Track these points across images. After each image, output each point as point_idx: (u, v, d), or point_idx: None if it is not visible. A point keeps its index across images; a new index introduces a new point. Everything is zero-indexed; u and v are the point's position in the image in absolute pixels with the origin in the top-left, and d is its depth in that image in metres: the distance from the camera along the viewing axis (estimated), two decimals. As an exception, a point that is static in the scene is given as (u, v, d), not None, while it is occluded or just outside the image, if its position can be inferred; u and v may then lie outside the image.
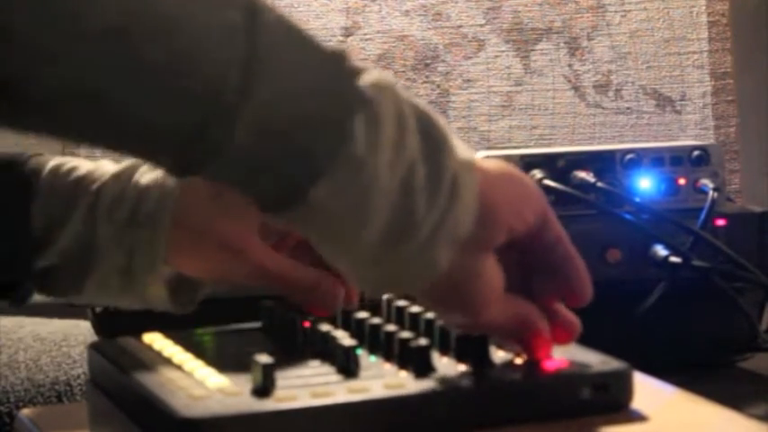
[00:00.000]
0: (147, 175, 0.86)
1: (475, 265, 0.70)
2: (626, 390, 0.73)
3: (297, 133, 0.63)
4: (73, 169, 0.89)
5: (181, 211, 0.85)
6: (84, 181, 0.88)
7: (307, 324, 0.81)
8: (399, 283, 0.70)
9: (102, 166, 0.89)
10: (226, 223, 0.84)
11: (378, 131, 0.64)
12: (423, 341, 0.73)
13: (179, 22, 0.60)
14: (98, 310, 1.14)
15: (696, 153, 1.19)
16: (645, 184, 1.18)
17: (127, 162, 0.88)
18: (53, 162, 0.89)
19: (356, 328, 0.80)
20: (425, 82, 1.60)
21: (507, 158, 1.15)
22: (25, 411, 0.94)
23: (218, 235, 0.84)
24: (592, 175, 1.15)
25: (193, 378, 0.72)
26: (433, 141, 0.67)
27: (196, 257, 0.86)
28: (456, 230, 0.68)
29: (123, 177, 0.87)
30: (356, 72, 0.65)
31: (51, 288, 0.88)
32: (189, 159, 0.63)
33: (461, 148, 0.69)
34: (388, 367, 0.74)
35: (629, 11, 1.61)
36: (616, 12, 1.61)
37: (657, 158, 1.19)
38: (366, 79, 0.65)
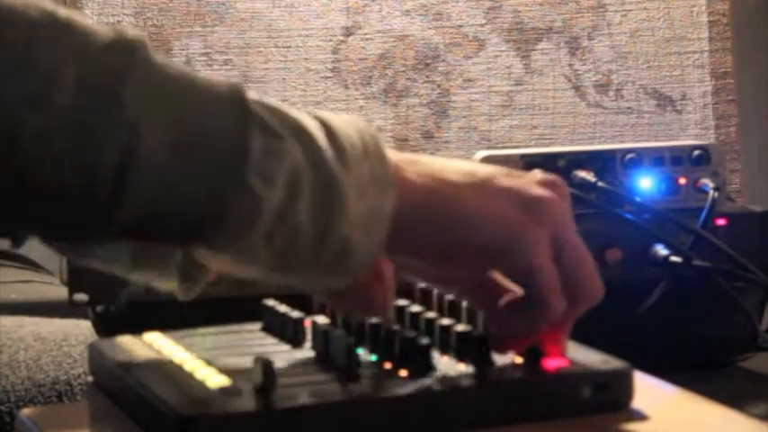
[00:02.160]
0: None
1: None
2: (626, 389, 0.73)
3: (171, 229, 0.67)
4: None
5: None
6: None
7: (307, 323, 0.81)
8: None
9: None
10: None
11: (256, 215, 0.67)
12: (423, 341, 0.73)
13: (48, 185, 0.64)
14: (99, 309, 1.14)
15: (696, 153, 1.19)
16: (645, 183, 1.18)
17: None
18: None
19: (356, 328, 0.80)
20: (425, 82, 1.60)
21: (508, 158, 1.15)
22: (26, 411, 0.94)
23: None
24: (592, 174, 1.15)
25: (193, 378, 0.72)
26: (326, 209, 0.68)
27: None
28: (343, 279, 0.71)
29: None
30: (246, 157, 0.66)
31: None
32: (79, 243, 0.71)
33: (373, 195, 0.70)
34: (389, 367, 0.74)
35: (630, 11, 1.61)
36: (616, 11, 1.61)
37: (658, 158, 1.19)
38: (259, 164, 0.66)
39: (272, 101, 0.69)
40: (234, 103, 0.67)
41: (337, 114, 0.72)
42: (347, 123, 0.71)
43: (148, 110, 0.64)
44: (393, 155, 0.72)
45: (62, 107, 0.63)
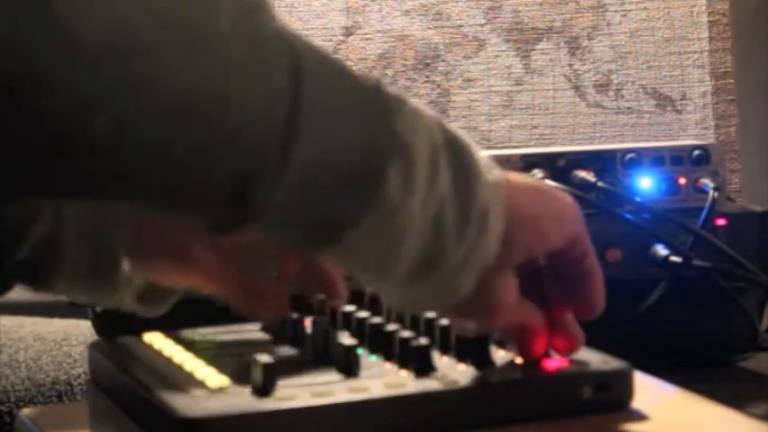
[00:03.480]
0: None
1: (493, 282, 0.71)
2: (626, 389, 0.73)
3: (334, 188, 0.63)
4: None
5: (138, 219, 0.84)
6: None
7: (306, 323, 0.81)
8: (424, 306, 0.73)
9: None
10: (182, 237, 0.83)
11: (411, 176, 0.65)
12: (423, 341, 0.73)
13: (227, 97, 0.59)
14: (98, 309, 1.14)
15: (696, 153, 1.19)
16: (645, 183, 1.18)
17: None
18: None
19: (356, 328, 0.80)
20: (426, 82, 1.60)
21: (508, 158, 1.15)
22: (26, 411, 0.94)
23: (179, 245, 0.84)
24: (592, 174, 1.15)
25: (193, 378, 0.72)
26: (464, 173, 0.68)
27: (151, 268, 0.85)
28: (482, 259, 0.69)
29: None
30: (393, 112, 0.65)
31: (27, 281, 0.88)
32: (227, 222, 0.63)
33: (489, 170, 0.70)
34: (389, 367, 0.74)
35: (630, 11, 1.61)
36: (616, 11, 1.61)
37: (658, 158, 1.19)
38: (402, 118, 0.65)
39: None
40: (376, 85, 0.66)
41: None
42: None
43: (300, 44, 0.62)
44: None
45: (228, 21, 0.59)
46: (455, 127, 0.70)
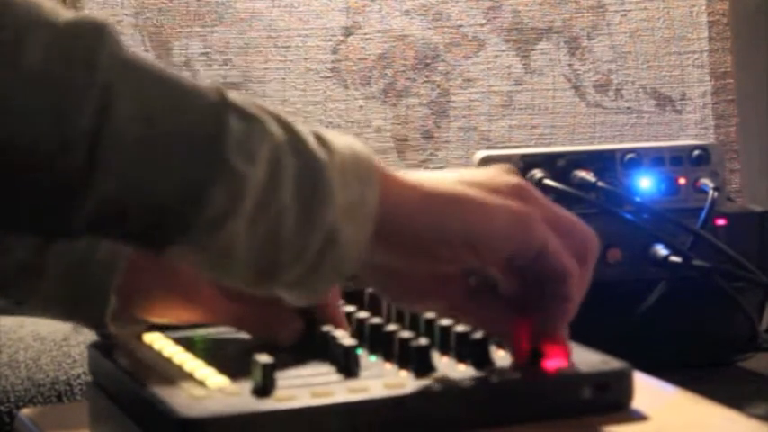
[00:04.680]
0: None
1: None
2: (626, 389, 0.73)
3: (142, 216, 0.63)
4: None
5: (135, 259, 0.84)
6: None
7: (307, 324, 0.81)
8: (290, 298, 0.71)
9: None
10: (178, 273, 0.83)
11: (238, 197, 0.64)
12: (423, 341, 0.73)
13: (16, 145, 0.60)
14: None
15: (696, 153, 1.19)
16: (645, 183, 1.18)
17: None
18: None
19: (356, 328, 0.80)
20: (425, 82, 1.60)
21: (507, 158, 1.15)
22: (25, 411, 0.94)
23: (170, 284, 0.84)
24: (592, 174, 1.15)
25: (193, 378, 0.72)
26: (312, 193, 0.66)
27: (150, 305, 0.85)
28: (330, 279, 0.68)
29: None
30: (224, 140, 0.63)
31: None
32: (47, 234, 0.66)
33: (362, 184, 0.68)
34: (389, 367, 0.74)
35: (629, 11, 1.61)
36: (616, 12, 1.61)
37: (658, 158, 1.19)
38: (237, 144, 0.63)
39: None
40: (209, 88, 0.65)
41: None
42: (335, 133, 0.70)
43: (122, 76, 0.62)
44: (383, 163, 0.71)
45: (32, 66, 0.60)
46: (333, 142, 0.68)
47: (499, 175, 0.74)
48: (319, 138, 0.68)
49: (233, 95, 0.66)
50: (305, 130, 0.68)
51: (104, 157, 0.61)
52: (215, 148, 0.63)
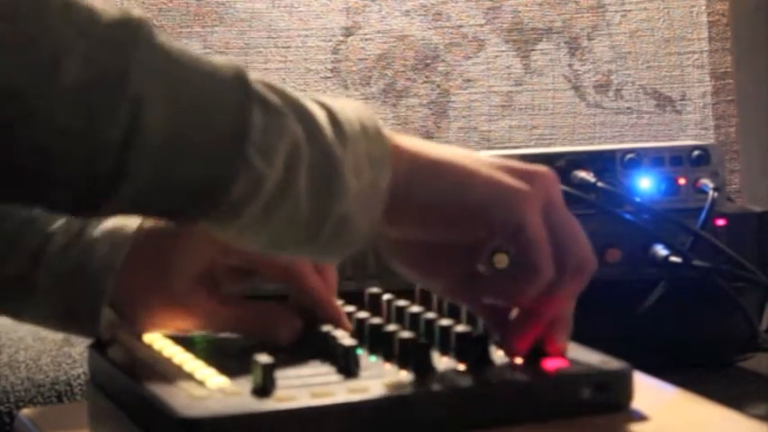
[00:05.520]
0: (98, 227, 0.86)
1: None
2: (626, 390, 0.73)
3: (169, 202, 0.68)
4: None
5: (128, 269, 0.84)
6: (39, 221, 0.87)
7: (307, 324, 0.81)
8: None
9: None
10: (171, 282, 0.84)
11: (256, 190, 0.67)
12: (423, 341, 0.73)
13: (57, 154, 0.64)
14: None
15: (696, 153, 1.19)
16: (645, 183, 1.18)
17: None
18: None
19: (356, 328, 0.80)
20: (425, 82, 1.60)
21: (507, 159, 1.15)
22: (25, 411, 0.94)
23: (165, 293, 0.84)
24: (592, 174, 1.15)
25: (194, 378, 0.72)
26: (325, 185, 0.69)
27: (146, 315, 0.85)
28: (341, 254, 0.72)
29: (75, 226, 0.86)
30: (246, 136, 0.66)
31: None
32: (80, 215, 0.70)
33: (372, 168, 0.71)
34: (388, 367, 0.74)
35: (629, 11, 1.61)
36: (616, 12, 1.61)
37: (657, 158, 1.19)
38: (257, 140, 0.67)
39: (275, 81, 0.70)
40: (235, 80, 0.67)
41: (337, 99, 0.73)
42: (346, 105, 0.72)
43: (152, 87, 0.64)
44: (391, 134, 0.73)
45: (68, 83, 0.63)
46: (346, 125, 0.70)
47: (526, 164, 0.76)
48: (335, 123, 0.70)
49: (255, 82, 0.68)
50: (321, 115, 0.70)
51: (133, 163, 0.64)
52: (238, 148, 0.66)
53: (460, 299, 0.78)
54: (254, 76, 0.68)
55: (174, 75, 0.66)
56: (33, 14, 0.63)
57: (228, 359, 0.76)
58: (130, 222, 0.85)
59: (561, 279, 0.74)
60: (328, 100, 0.72)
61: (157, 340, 0.82)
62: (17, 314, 0.88)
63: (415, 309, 0.80)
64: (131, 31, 0.65)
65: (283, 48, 1.58)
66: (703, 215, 1.14)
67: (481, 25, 1.60)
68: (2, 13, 0.62)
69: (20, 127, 0.63)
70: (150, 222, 0.85)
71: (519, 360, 0.75)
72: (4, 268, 0.86)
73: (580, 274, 0.74)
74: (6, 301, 0.87)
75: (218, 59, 0.68)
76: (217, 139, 0.66)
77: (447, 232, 0.74)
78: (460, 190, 0.73)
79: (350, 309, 0.83)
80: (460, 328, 0.75)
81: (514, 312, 0.76)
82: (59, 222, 0.87)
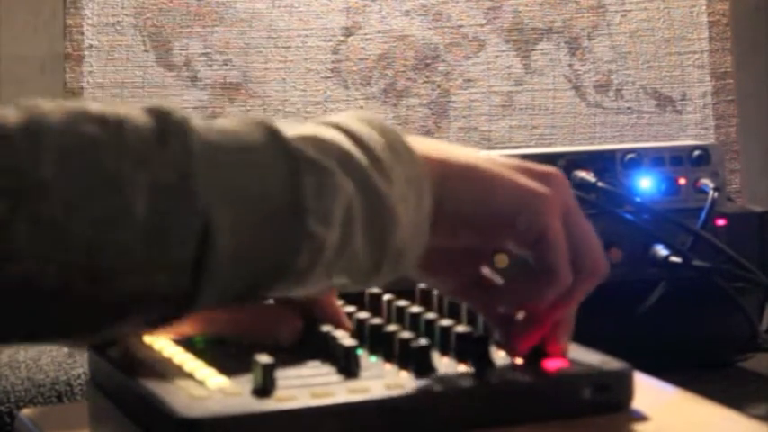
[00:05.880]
0: None
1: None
2: (626, 390, 0.73)
3: (243, 289, 0.69)
4: None
5: None
6: None
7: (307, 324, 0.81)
8: None
9: None
10: None
11: (319, 254, 0.68)
12: (423, 341, 0.73)
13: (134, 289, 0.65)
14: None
15: (696, 153, 1.19)
16: (645, 183, 1.18)
17: None
18: None
19: (356, 328, 0.80)
20: (426, 82, 1.60)
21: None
22: (25, 411, 0.94)
23: None
24: (592, 174, 1.15)
25: (194, 378, 0.72)
26: (380, 228, 0.70)
27: None
28: (396, 277, 0.73)
29: None
30: (305, 210, 0.67)
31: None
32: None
33: (414, 195, 0.71)
34: (389, 367, 0.74)
35: (630, 11, 1.61)
36: (616, 12, 1.61)
37: (658, 158, 1.19)
38: (316, 209, 0.68)
39: (298, 126, 0.70)
40: (277, 150, 0.68)
41: (343, 114, 0.73)
42: (363, 124, 0.72)
43: (214, 194, 0.65)
44: (412, 142, 0.74)
45: (141, 217, 0.64)
46: (381, 152, 0.71)
47: (537, 164, 0.76)
48: (366, 151, 0.71)
49: (294, 141, 0.68)
50: (364, 160, 0.70)
51: (207, 278, 0.66)
52: (298, 223, 0.67)
53: (468, 300, 0.78)
54: (281, 126, 0.69)
55: (228, 169, 0.67)
56: (94, 159, 0.64)
57: (228, 359, 0.76)
58: None
59: (575, 284, 0.74)
60: (342, 122, 0.72)
61: (157, 340, 0.82)
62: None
63: (416, 309, 0.80)
64: (179, 139, 0.66)
65: (283, 48, 1.58)
66: (703, 215, 1.14)
67: (481, 25, 1.60)
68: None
69: (97, 269, 0.63)
70: None
71: (519, 360, 0.75)
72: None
73: (592, 277, 0.75)
74: None
75: (244, 119, 0.69)
76: (280, 224, 0.67)
77: (473, 239, 0.74)
78: (488, 197, 0.73)
79: (350, 309, 0.83)
80: (461, 328, 0.75)
81: (520, 313, 0.76)
82: None
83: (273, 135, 0.68)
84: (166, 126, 0.66)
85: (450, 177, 0.73)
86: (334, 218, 0.68)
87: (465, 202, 0.73)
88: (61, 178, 0.62)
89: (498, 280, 0.78)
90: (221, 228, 0.65)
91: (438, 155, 0.73)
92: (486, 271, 0.77)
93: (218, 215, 0.65)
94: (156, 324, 0.69)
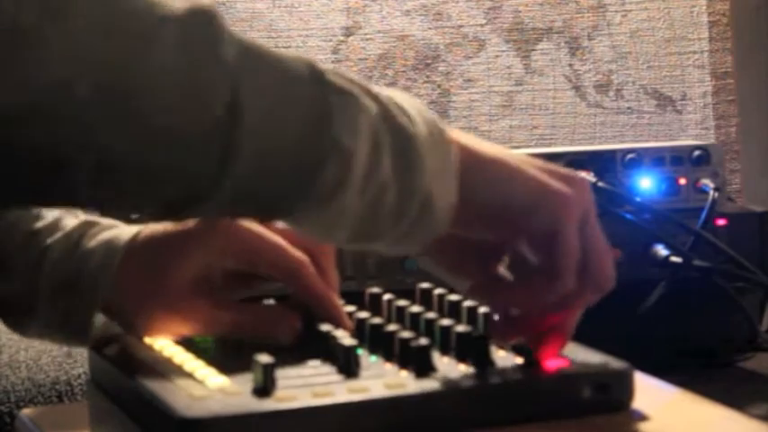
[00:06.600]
0: (95, 238, 0.86)
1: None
2: (627, 390, 0.73)
3: (267, 190, 0.67)
4: (36, 218, 0.89)
5: (123, 278, 0.84)
6: (41, 234, 0.88)
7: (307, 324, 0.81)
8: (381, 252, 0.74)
9: (63, 218, 0.89)
10: (167, 288, 0.83)
11: (346, 173, 0.67)
12: (423, 341, 0.73)
13: (164, 132, 0.63)
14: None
15: (697, 153, 1.19)
16: (645, 183, 1.18)
17: (81, 219, 0.89)
18: None
19: (357, 328, 0.80)
20: (426, 82, 1.60)
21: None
22: (26, 411, 0.94)
23: (162, 300, 0.84)
24: (592, 174, 1.15)
25: (194, 378, 0.72)
26: (406, 164, 0.69)
27: (145, 322, 0.85)
28: (428, 234, 0.71)
29: (73, 238, 0.87)
30: (332, 115, 0.67)
31: (2, 318, 0.89)
32: (176, 209, 0.68)
33: (441, 153, 0.71)
34: (389, 367, 0.74)
35: (630, 11, 1.61)
36: (616, 12, 1.61)
37: (658, 158, 1.19)
38: (342, 120, 0.67)
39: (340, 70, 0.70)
40: (308, 65, 0.68)
41: (384, 88, 0.73)
42: (395, 93, 0.72)
43: (243, 68, 0.64)
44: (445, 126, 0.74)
45: (164, 66, 0.62)
46: (408, 109, 0.71)
47: (564, 168, 0.76)
48: (400, 108, 0.70)
49: (324, 69, 0.68)
50: (386, 99, 0.70)
51: (233, 155, 0.64)
52: (325, 129, 0.67)
53: (485, 300, 0.77)
54: (321, 65, 0.69)
55: (260, 57, 0.66)
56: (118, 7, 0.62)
57: (228, 359, 0.76)
58: (124, 233, 0.85)
59: (579, 293, 0.74)
60: (380, 90, 0.72)
61: (158, 340, 0.82)
62: (24, 329, 0.89)
63: (416, 309, 0.80)
64: (212, 16, 0.65)
65: (284, 48, 1.58)
66: (704, 215, 1.14)
67: (482, 25, 1.60)
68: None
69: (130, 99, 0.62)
70: (145, 231, 0.85)
71: (519, 360, 0.75)
72: (11, 281, 0.87)
73: (598, 292, 0.74)
74: (15, 316, 0.88)
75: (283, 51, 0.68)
76: (306, 125, 0.66)
77: (488, 230, 0.74)
78: (508, 189, 0.73)
79: (350, 309, 0.83)
80: (461, 328, 0.75)
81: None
82: (58, 235, 0.87)
83: (311, 66, 0.68)
84: (205, 16, 0.65)
85: (473, 166, 0.72)
86: (362, 132, 0.67)
87: (485, 191, 0.72)
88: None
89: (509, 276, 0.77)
90: (249, 97, 0.64)
91: (466, 143, 0.73)
92: (500, 270, 0.77)
93: (246, 91, 0.64)
94: (174, 210, 0.67)
